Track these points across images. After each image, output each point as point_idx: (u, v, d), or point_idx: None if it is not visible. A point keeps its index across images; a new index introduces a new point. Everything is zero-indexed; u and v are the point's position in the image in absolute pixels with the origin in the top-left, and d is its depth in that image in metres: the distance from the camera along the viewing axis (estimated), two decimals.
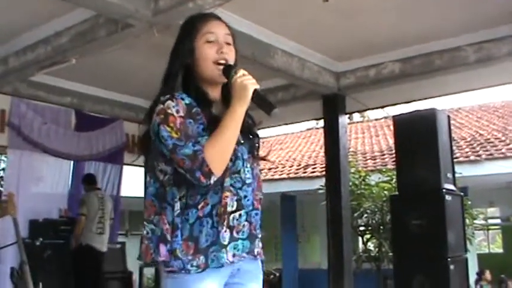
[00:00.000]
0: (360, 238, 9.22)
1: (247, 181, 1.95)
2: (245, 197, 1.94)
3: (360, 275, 8.87)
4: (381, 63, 6.17)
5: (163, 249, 1.85)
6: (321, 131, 10.38)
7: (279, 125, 9.05)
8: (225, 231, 1.86)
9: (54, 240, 6.75)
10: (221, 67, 1.96)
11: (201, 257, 1.83)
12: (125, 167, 8.29)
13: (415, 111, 5.33)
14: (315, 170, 12.25)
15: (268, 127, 9.28)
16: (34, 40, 5.50)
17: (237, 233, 1.89)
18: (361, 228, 9.13)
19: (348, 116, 17.44)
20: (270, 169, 13.89)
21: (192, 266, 1.82)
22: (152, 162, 1.94)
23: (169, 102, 1.85)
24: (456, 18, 5.22)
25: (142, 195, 6.50)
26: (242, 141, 1.97)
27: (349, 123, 17.41)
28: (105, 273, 7.32)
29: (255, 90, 1.87)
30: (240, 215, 1.91)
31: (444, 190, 4.87)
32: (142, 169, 6.88)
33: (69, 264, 6.92)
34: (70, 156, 7.49)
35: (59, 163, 7.51)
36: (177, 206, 1.86)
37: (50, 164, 7.35)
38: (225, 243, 1.86)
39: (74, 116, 7.45)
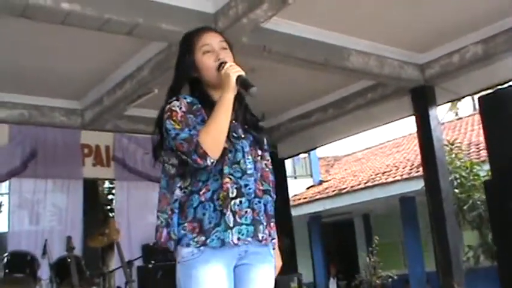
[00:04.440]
0: (478, 233, 8.72)
1: (248, 171, 2.13)
2: (246, 185, 2.11)
3: (480, 272, 8.41)
4: (462, 48, 5.92)
5: (164, 232, 2.08)
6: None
7: (377, 126, 8.74)
8: (229, 214, 2.03)
9: (165, 262, 7.09)
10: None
11: (203, 237, 2.02)
12: None
13: (499, 89, 5.06)
14: None
15: (373, 127, 8.95)
16: (121, 78, 5.96)
17: (240, 218, 2.06)
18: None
19: (456, 108, 16.80)
20: (383, 173, 13.59)
21: (193, 241, 2.03)
22: (163, 158, 2.16)
23: (174, 102, 2.12)
24: None
25: None
26: (243, 136, 2.18)
27: (467, 116, 16.72)
28: None
29: (238, 77, 2.06)
30: (240, 201, 2.08)
31: None
32: None
33: None
34: None
35: None
36: (182, 194, 2.08)
37: (156, 191, 7.72)
38: (231, 225, 2.03)
39: None
